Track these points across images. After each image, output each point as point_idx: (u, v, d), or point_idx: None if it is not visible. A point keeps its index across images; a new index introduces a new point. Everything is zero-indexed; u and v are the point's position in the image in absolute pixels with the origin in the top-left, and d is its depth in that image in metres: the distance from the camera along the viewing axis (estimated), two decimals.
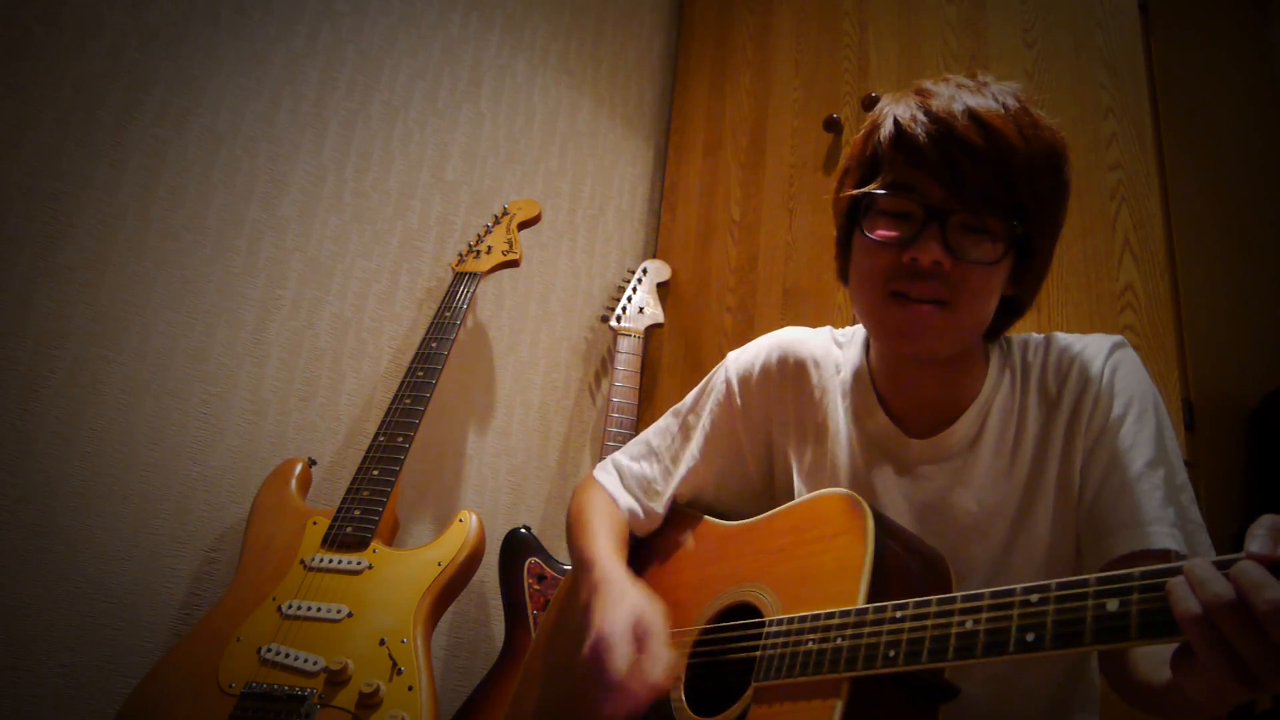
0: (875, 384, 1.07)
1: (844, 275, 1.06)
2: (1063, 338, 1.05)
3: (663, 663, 0.92)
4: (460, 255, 1.93)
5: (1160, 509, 0.90)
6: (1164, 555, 0.88)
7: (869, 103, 1.98)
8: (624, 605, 0.97)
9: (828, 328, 1.18)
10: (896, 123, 0.95)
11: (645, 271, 2.26)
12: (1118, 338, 1.03)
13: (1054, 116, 0.98)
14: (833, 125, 2.06)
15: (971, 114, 0.91)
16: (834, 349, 1.14)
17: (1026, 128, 0.93)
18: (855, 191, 0.98)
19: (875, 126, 0.99)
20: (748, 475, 1.17)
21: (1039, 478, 0.99)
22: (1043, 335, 1.07)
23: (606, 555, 1.09)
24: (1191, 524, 0.91)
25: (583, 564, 1.11)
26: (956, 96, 0.93)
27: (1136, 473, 0.92)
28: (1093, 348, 1.01)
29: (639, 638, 0.93)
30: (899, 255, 0.93)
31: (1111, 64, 1.67)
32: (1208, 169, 1.77)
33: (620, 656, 0.91)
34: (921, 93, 0.96)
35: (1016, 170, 0.91)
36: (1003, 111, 0.92)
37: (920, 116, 0.93)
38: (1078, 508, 0.97)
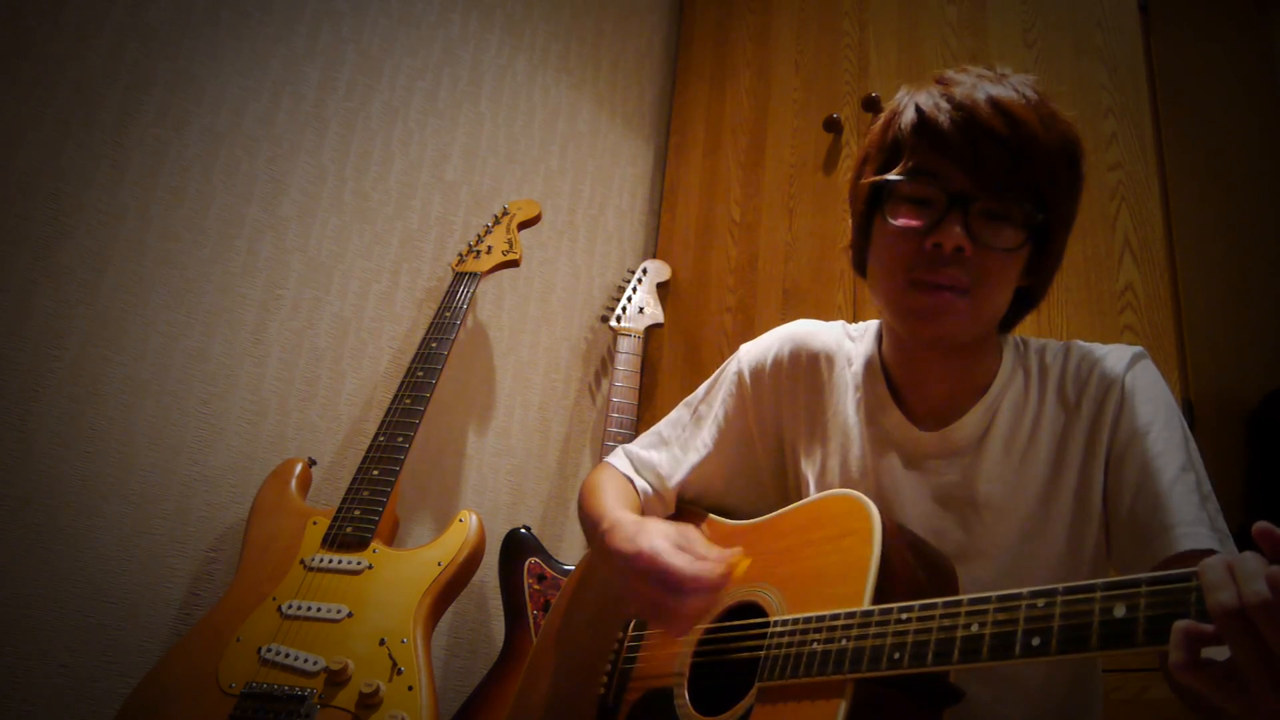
0: (887, 375, 1.07)
1: (860, 266, 1.07)
2: (1082, 345, 1.05)
3: (717, 558, 0.92)
4: (460, 255, 1.93)
5: (1197, 512, 0.89)
6: (1208, 556, 0.87)
7: (869, 103, 1.99)
8: (653, 526, 0.98)
9: (840, 322, 1.18)
10: (919, 110, 0.96)
11: (645, 271, 2.26)
12: (1138, 349, 1.03)
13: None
14: (833, 125, 2.06)
15: (994, 101, 0.93)
16: (846, 342, 1.14)
17: (1046, 118, 0.95)
18: (878, 178, 0.99)
19: (895, 114, 1.00)
20: (758, 467, 1.17)
21: (1056, 483, 0.99)
22: (1061, 342, 1.07)
23: (618, 509, 1.10)
24: (1220, 532, 0.90)
25: (595, 522, 1.11)
26: (979, 85, 0.95)
27: (1172, 477, 0.92)
28: (1113, 357, 1.02)
29: (683, 546, 0.94)
30: (921, 242, 0.94)
31: (1111, 64, 1.67)
32: (1208, 169, 1.78)
33: (677, 557, 0.91)
34: (943, 81, 0.97)
35: (1037, 158, 0.93)
36: (1024, 101, 0.94)
37: (943, 104, 0.94)
38: (1105, 517, 0.97)
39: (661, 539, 0.95)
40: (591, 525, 1.12)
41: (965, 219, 0.93)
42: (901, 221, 0.96)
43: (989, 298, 0.96)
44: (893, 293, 0.99)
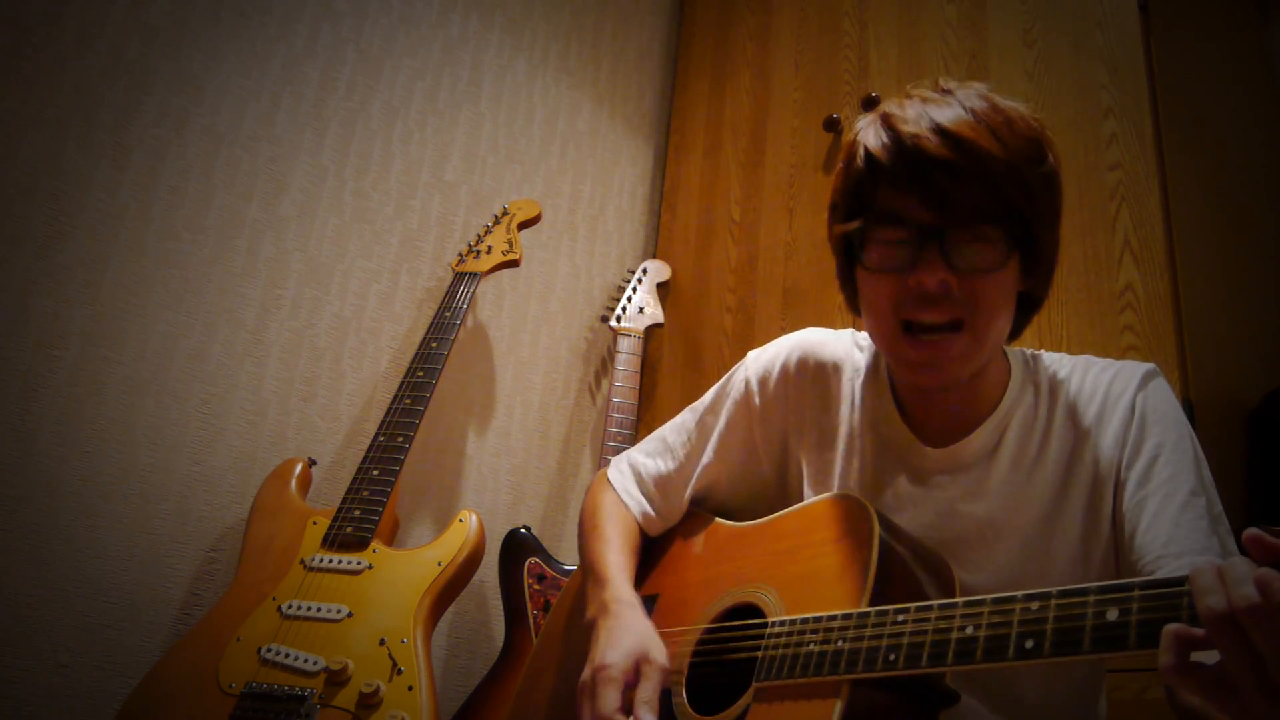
0: (894, 390, 1.06)
1: (854, 307, 1.06)
2: (1093, 362, 1.03)
3: (649, 708, 0.92)
4: (460, 255, 1.93)
5: (1207, 539, 0.88)
6: None
7: (869, 103, 1.98)
8: (629, 640, 0.97)
9: (850, 330, 1.17)
10: (868, 153, 0.94)
11: (645, 271, 2.26)
12: (1150, 366, 1.01)
13: (1050, 116, 0.98)
14: (833, 125, 2.06)
15: (941, 130, 0.90)
16: (855, 352, 1.13)
17: (1000, 128, 0.91)
18: (845, 227, 0.97)
19: (851, 158, 0.98)
20: (762, 476, 1.17)
21: (1062, 502, 0.98)
22: (1073, 358, 1.05)
23: (617, 572, 1.10)
24: (1230, 555, 0.89)
25: (593, 576, 1.11)
26: (923, 114, 0.92)
27: (1181, 502, 0.90)
28: (1124, 376, 1.00)
29: (634, 677, 0.93)
30: (903, 282, 0.92)
31: (1111, 64, 1.67)
32: (1208, 169, 1.78)
33: (610, 695, 0.91)
34: (887, 118, 0.94)
35: (999, 174, 0.90)
36: (973, 120, 0.91)
37: (889, 143, 0.92)
38: (1114, 538, 0.96)
39: (622, 660, 0.94)
40: (590, 572, 1.13)
41: (942, 251, 0.90)
42: (879, 266, 0.94)
43: (988, 324, 0.93)
44: (888, 340, 0.98)
